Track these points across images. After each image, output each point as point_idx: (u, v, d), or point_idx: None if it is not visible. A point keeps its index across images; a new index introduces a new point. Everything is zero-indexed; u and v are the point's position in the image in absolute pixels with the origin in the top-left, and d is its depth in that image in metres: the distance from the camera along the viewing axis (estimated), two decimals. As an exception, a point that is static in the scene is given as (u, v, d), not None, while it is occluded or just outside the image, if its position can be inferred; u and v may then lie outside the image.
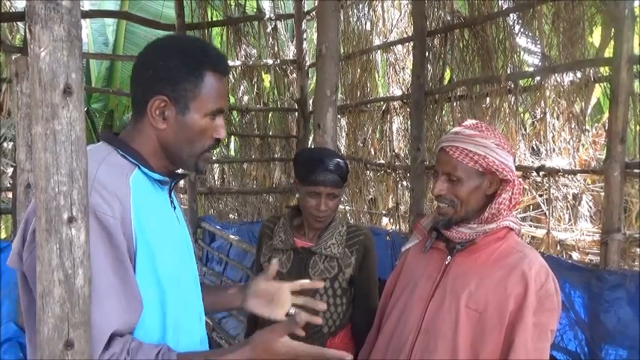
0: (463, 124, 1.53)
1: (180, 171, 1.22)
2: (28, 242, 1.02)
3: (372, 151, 4.35)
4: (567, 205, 2.77)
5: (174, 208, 1.23)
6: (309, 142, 5.05)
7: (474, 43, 3.23)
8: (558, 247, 2.77)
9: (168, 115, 1.11)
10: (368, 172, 4.37)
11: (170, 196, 1.22)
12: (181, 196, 4.96)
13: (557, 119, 2.78)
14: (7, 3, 4.15)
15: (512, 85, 2.95)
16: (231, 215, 5.30)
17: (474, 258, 1.46)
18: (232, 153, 6.08)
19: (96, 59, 8.22)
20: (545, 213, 2.89)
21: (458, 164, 1.43)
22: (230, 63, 4.94)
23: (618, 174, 2.26)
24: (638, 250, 2.35)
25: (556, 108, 2.78)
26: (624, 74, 2.22)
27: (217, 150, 5.49)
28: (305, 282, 1.41)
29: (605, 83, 2.59)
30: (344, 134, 4.71)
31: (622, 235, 2.28)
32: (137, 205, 1.05)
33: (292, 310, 1.19)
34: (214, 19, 5.07)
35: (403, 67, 3.97)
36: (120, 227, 1.00)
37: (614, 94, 2.27)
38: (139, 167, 1.11)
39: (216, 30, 5.36)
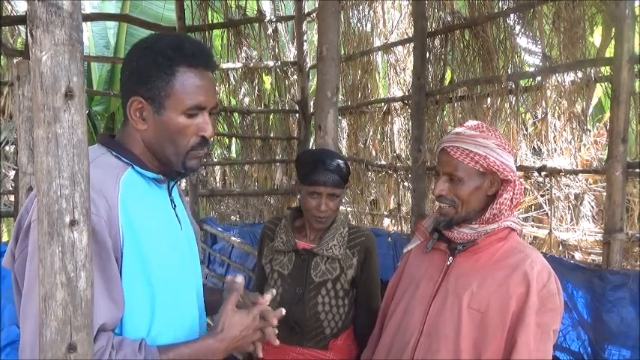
0: (464, 124, 1.53)
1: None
2: (19, 241, 1.03)
3: (373, 152, 4.35)
4: (569, 205, 2.76)
5: (175, 207, 1.23)
6: (311, 144, 5.05)
7: (474, 43, 3.23)
8: (560, 248, 2.76)
9: (146, 116, 1.11)
10: (369, 173, 4.37)
11: (170, 195, 1.22)
12: (183, 198, 4.95)
13: (559, 119, 2.78)
14: (9, 6, 4.16)
15: (513, 86, 2.95)
16: (232, 217, 5.30)
17: (476, 258, 1.46)
18: (233, 155, 6.08)
19: (97, 62, 8.23)
20: (547, 213, 2.89)
21: (459, 164, 1.43)
22: (231, 65, 4.95)
23: (620, 174, 2.26)
24: (640, 249, 2.35)
25: (557, 108, 2.78)
26: (625, 74, 2.22)
27: (219, 152, 5.49)
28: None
29: (606, 83, 2.58)
30: (345, 135, 4.71)
31: (624, 235, 2.27)
32: (126, 204, 1.05)
33: (238, 279, 1.21)
34: (215, 21, 5.07)
35: (404, 68, 3.96)
36: (105, 226, 1.00)
37: (615, 94, 2.26)
38: (133, 167, 1.11)
39: (216, 32, 5.36)
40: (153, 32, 4.94)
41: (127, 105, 1.11)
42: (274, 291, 1.23)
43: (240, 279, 1.21)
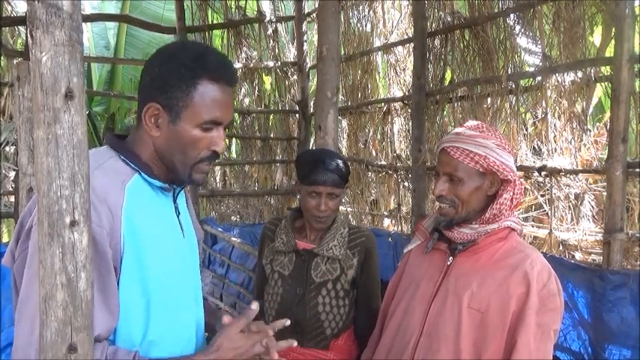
0: (464, 124, 1.53)
1: None
2: (20, 242, 1.02)
3: (374, 152, 4.35)
4: (569, 205, 2.76)
5: (179, 214, 1.22)
6: (311, 144, 5.05)
7: (474, 43, 3.23)
8: (561, 247, 2.76)
9: (161, 123, 1.10)
10: (369, 173, 4.37)
11: (175, 202, 1.22)
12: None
13: (559, 119, 2.78)
14: (9, 7, 4.16)
15: (513, 86, 2.95)
16: (233, 217, 5.29)
17: (476, 258, 1.46)
18: (234, 155, 6.09)
19: (97, 62, 8.23)
20: (547, 213, 2.89)
21: (459, 165, 1.43)
22: (230, 65, 4.94)
23: (620, 173, 2.26)
24: (640, 249, 2.35)
25: (557, 108, 2.78)
26: (625, 73, 2.22)
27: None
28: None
29: (606, 83, 2.58)
30: (345, 136, 4.71)
31: (624, 235, 2.27)
32: (130, 213, 1.04)
33: (253, 306, 1.17)
34: (215, 21, 5.07)
35: (404, 68, 3.96)
36: (106, 237, 1.00)
37: (615, 94, 2.26)
38: (140, 173, 1.11)
39: (216, 32, 5.36)
40: (153, 33, 4.96)
41: (142, 110, 1.10)
42: (254, 307, 1.18)
43: (255, 306, 1.17)
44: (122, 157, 1.11)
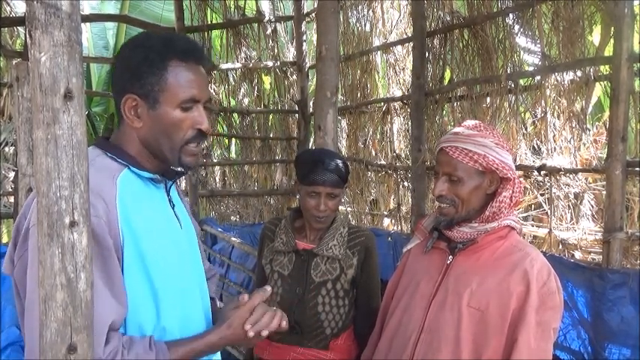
0: (462, 124, 1.53)
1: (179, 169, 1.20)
2: (18, 245, 1.03)
3: (373, 152, 4.35)
4: (569, 205, 2.76)
5: (174, 206, 1.22)
6: (310, 144, 5.05)
7: (473, 43, 3.23)
8: (560, 247, 2.76)
9: (141, 113, 1.11)
10: (369, 173, 4.37)
11: (169, 194, 1.22)
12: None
13: (558, 118, 2.78)
14: (8, 8, 4.16)
15: (513, 85, 2.95)
16: (232, 217, 5.29)
17: (476, 257, 1.47)
18: (233, 155, 6.08)
19: (96, 63, 8.23)
20: (546, 212, 2.89)
21: (458, 164, 1.43)
22: (230, 65, 4.95)
23: (619, 172, 2.26)
24: (640, 248, 2.35)
25: (557, 107, 2.78)
26: (624, 73, 2.22)
27: (218, 152, 5.49)
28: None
29: (605, 82, 2.58)
30: (344, 135, 4.71)
31: (624, 234, 2.27)
32: (124, 205, 1.05)
33: (268, 287, 1.21)
34: (214, 21, 5.07)
35: (403, 68, 3.96)
36: (104, 226, 1.00)
37: (614, 93, 2.27)
38: (129, 167, 1.11)
39: (215, 32, 5.37)
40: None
41: (121, 104, 1.11)
42: (268, 288, 1.22)
43: (270, 288, 1.21)
44: (109, 154, 1.12)
